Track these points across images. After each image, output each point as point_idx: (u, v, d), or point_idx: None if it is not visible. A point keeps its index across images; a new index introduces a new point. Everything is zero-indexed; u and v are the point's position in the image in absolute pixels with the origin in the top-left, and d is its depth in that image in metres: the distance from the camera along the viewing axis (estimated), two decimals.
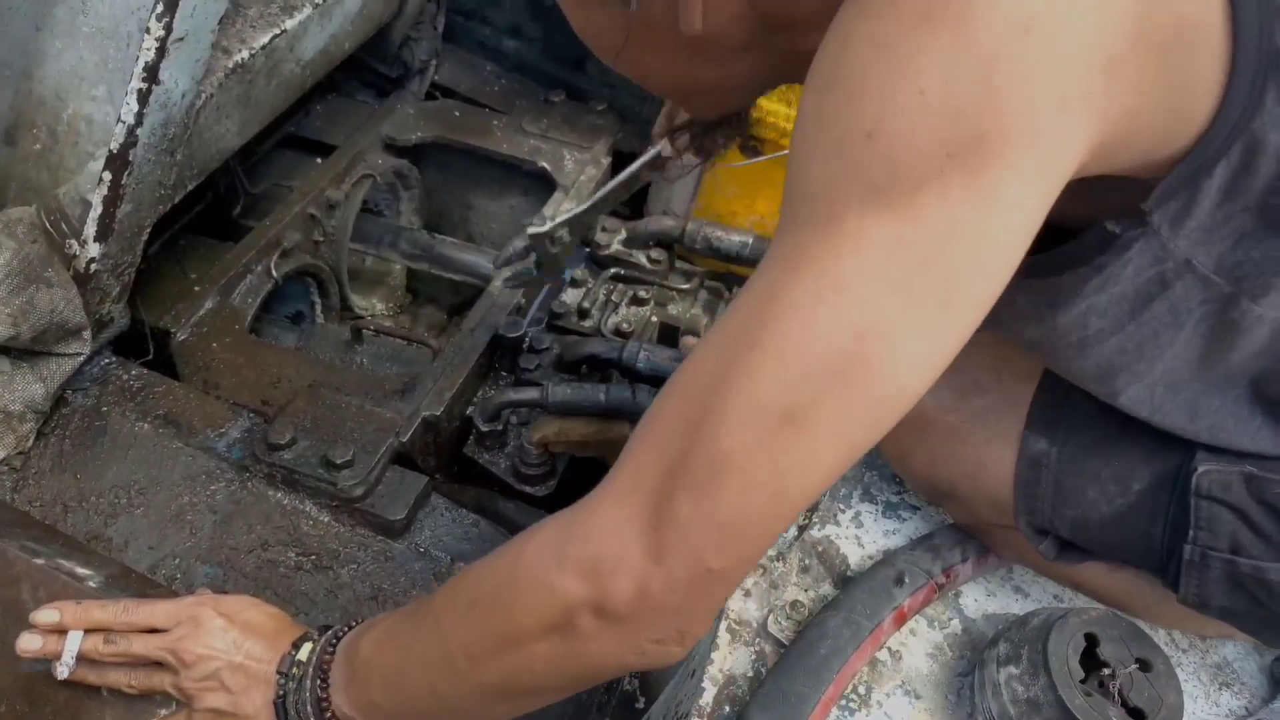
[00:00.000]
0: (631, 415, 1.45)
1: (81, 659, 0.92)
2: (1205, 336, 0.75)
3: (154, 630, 0.92)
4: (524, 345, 1.61)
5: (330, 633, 0.90)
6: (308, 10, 1.58)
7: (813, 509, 1.04)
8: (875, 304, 0.61)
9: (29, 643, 0.92)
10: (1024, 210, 0.62)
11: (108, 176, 1.23)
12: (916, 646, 0.95)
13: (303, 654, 0.89)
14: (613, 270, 1.80)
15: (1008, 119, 0.59)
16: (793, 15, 0.77)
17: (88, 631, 0.92)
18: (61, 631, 0.92)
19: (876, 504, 1.08)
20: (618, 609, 0.69)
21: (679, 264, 1.84)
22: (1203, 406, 0.81)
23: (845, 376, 0.62)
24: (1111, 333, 0.76)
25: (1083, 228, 0.73)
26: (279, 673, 0.89)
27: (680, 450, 0.66)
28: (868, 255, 0.61)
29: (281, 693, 0.88)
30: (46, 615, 0.93)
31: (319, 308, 1.86)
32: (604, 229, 1.83)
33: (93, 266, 1.30)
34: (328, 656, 0.88)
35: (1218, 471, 0.80)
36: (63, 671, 0.92)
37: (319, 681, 0.87)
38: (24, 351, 1.29)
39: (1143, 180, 0.69)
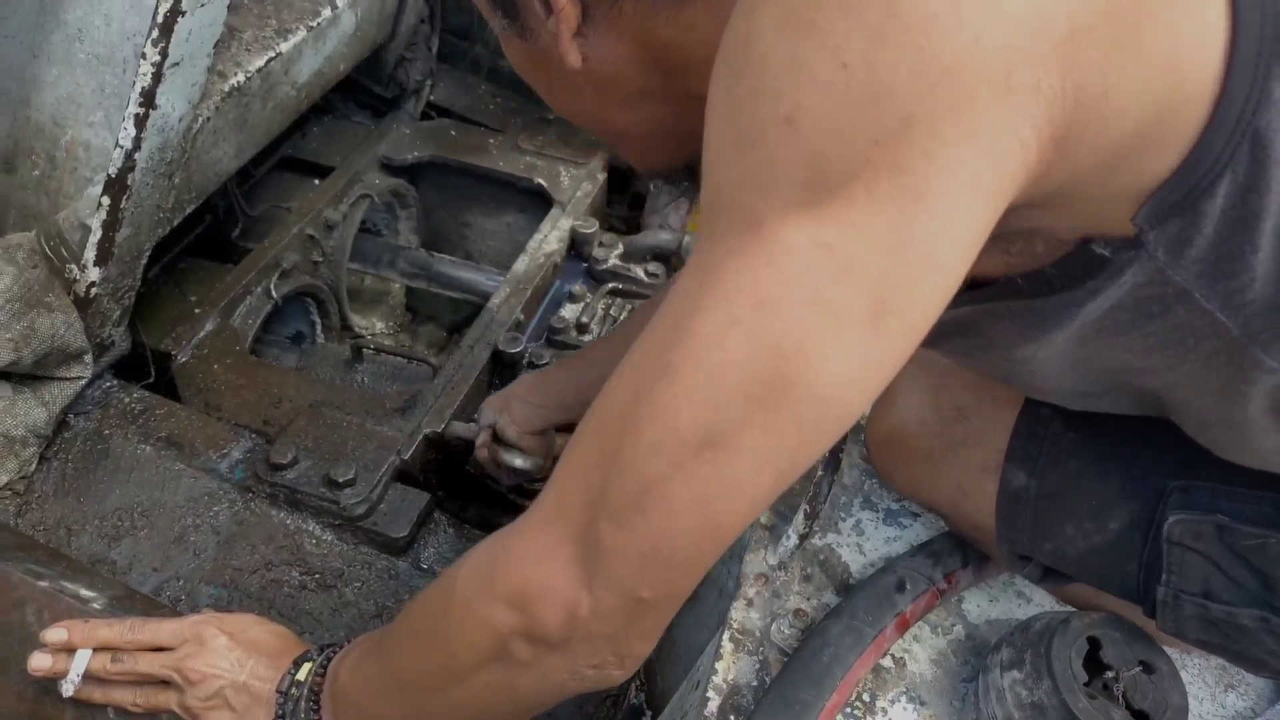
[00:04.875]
0: None
1: (88, 677, 0.92)
2: (1219, 375, 0.65)
3: (159, 648, 0.92)
4: (524, 361, 1.62)
5: (326, 653, 0.90)
6: (302, 33, 1.59)
7: (813, 518, 1.04)
8: (794, 321, 0.55)
9: (40, 661, 0.93)
10: (962, 210, 0.53)
11: (106, 201, 1.24)
12: (920, 653, 0.95)
13: (301, 674, 0.89)
14: (611, 285, 1.80)
15: (941, 99, 0.50)
16: (688, 57, 0.71)
17: (95, 650, 0.93)
18: (70, 650, 0.93)
19: (877, 511, 1.08)
20: (550, 635, 0.67)
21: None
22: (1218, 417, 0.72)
23: (765, 401, 0.57)
24: (1115, 336, 0.66)
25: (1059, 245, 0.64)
26: (279, 691, 0.89)
27: (601, 478, 0.62)
28: (786, 266, 0.54)
29: (280, 712, 0.88)
30: (55, 634, 0.94)
31: (319, 328, 1.86)
32: (601, 244, 1.84)
33: (93, 290, 1.31)
34: (319, 679, 0.88)
35: (1190, 521, 0.77)
36: (68, 689, 0.92)
37: (311, 704, 0.87)
38: (25, 376, 1.29)
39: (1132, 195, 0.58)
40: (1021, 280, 0.65)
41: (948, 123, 0.50)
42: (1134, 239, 0.58)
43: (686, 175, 0.86)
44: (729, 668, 0.91)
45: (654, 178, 0.88)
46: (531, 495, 1.49)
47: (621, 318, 1.75)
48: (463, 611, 0.72)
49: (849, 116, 0.51)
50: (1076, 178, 0.57)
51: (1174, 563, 0.78)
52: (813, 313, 0.55)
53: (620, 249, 1.84)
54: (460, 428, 1.46)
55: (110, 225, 1.26)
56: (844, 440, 1.13)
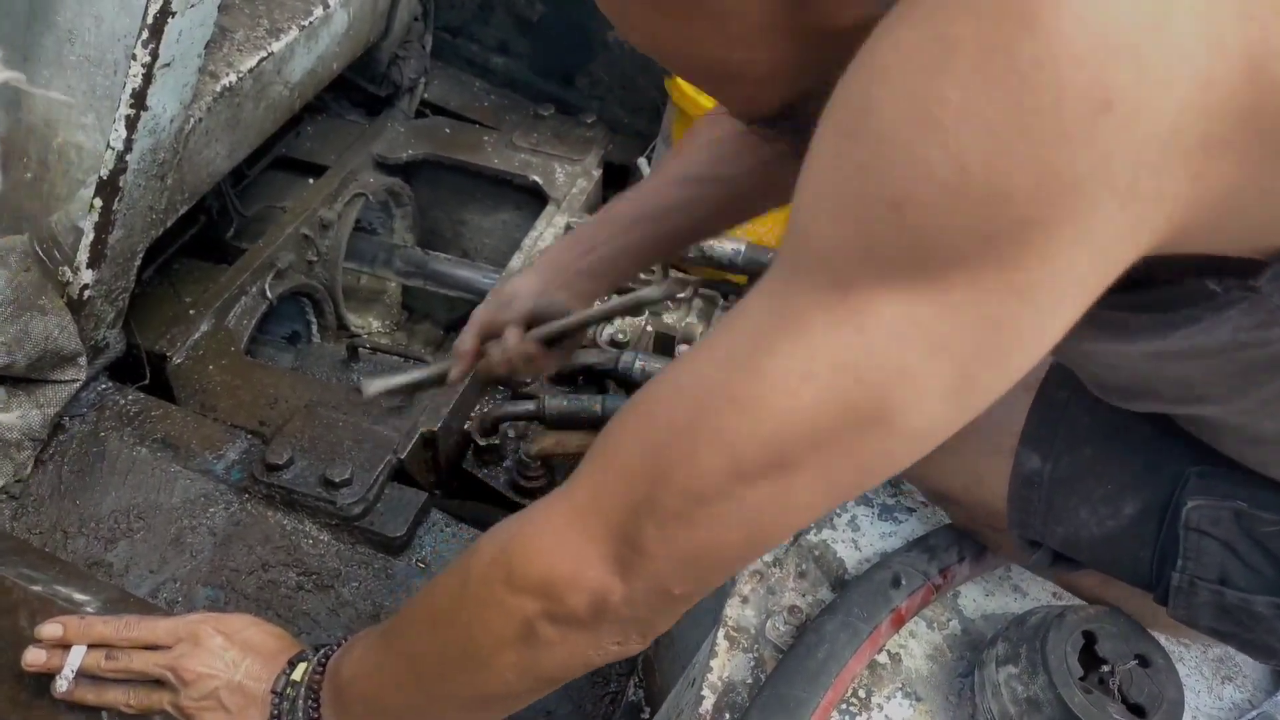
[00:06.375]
0: None
1: (83, 675, 0.92)
2: None
3: (154, 647, 0.92)
4: None
5: (323, 651, 0.90)
6: (294, 33, 1.59)
7: None
8: (873, 387, 0.55)
9: (34, 657, 0.93)
10: (1062, 308, 0.54)
11: (99, 203, 1.24)
12: (916, 648, 0.95)
13: (297, 674, 0.89)
14: None
15: (1062, 210, 0.49)
16: None
17: (90, 647, 0.92)
18: (65, 646, 0.93)
19: (873, 507, 1.08)
20: (578, 618, 0.68)
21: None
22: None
23: (829, 448, 0.58)
24: (1195, 359, 0.66)
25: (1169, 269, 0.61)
26: (274, 692, 0.89)
27: (649, 483, 0.63)
28: (873, 335, 0.54)
29: (276, 712, 0.88)
30: (50, 629, 0.93)
31: (314, 327, 1.86)
32: None
33: (86, 293, 1.30)
34: (317, 676, 0.88)
35: (1209, 506, 0.77)
36: (62, 685, 0.91)
37: (311, 702, 0.87)
38: (20, 379, 1.29)
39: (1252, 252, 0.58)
40: (1122, 294, 0.63)
41: (1066, 229, 0.50)
42: (1249, 284, 0.58)
43: (790, 121, 0.75)
44: (724, 665, 0.91)
45: (754, 125, 0.78)
46: (528, 493, 1.50)
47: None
48: (484, 598, 0.72)
49: (961, 215, 0.50)
50: (1189, 251, 0.56)
51: (1191, 548, 0.78)
52: (894, 381, 0.55)
53: None
54: (379, 384, 1.18)
55: (103, 227, 1.26)
56: None
